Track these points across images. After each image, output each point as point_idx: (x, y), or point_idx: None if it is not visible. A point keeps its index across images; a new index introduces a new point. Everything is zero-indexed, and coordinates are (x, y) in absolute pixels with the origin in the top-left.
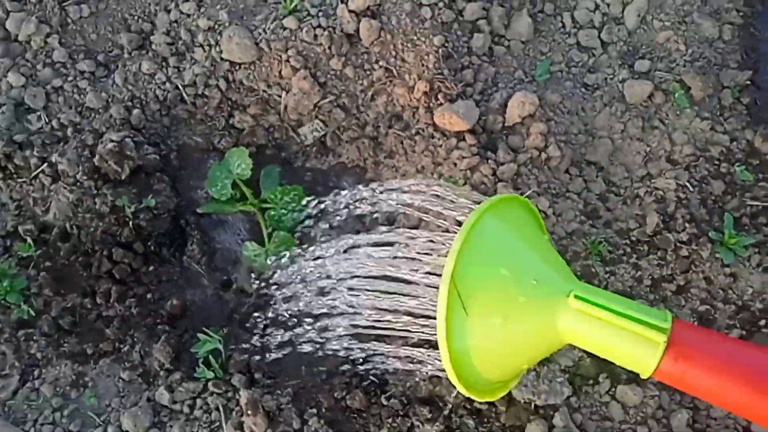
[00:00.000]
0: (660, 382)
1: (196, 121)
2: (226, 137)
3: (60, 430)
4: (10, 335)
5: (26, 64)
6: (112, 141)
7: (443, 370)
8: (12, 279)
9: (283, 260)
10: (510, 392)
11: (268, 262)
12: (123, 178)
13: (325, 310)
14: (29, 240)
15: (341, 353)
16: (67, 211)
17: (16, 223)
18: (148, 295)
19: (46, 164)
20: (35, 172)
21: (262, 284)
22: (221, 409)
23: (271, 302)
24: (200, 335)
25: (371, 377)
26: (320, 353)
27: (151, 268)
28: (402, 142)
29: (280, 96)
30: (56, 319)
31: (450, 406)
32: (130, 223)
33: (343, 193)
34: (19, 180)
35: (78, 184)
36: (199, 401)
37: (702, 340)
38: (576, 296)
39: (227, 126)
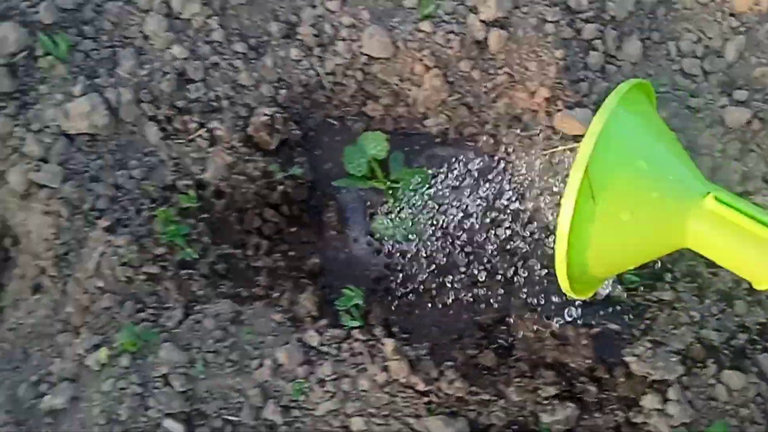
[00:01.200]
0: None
1: (332, 106)
2: (358, 122)
3: (222, 358)
4: (173, 273)
5: (187, 40)
6: (265, 114)
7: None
8: (176, 225)
9: (410, 229)
10: (628, 365)
11: (397, 232)
12: (271, 148)
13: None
14: (191, 192)
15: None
16: (222, 172)
17: (175, 178)
18: (291, 253)
19: (203, 129)
20: (193, 136)
21: (392, 250)
22: (366, 353)
23: (400, 266)
24: (344, 290)
25: (500, 340)
26: (451, 312)
27: (293, 229)
28: (520, 141)
29: (410, 90)
30: (212, 264)
31: (573, 372)
32: (279, 187)
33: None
34: (178, 141)
35: (233, 149)
36: (345, 345)
37: None
38: (715, 197)
39: (359, 113)
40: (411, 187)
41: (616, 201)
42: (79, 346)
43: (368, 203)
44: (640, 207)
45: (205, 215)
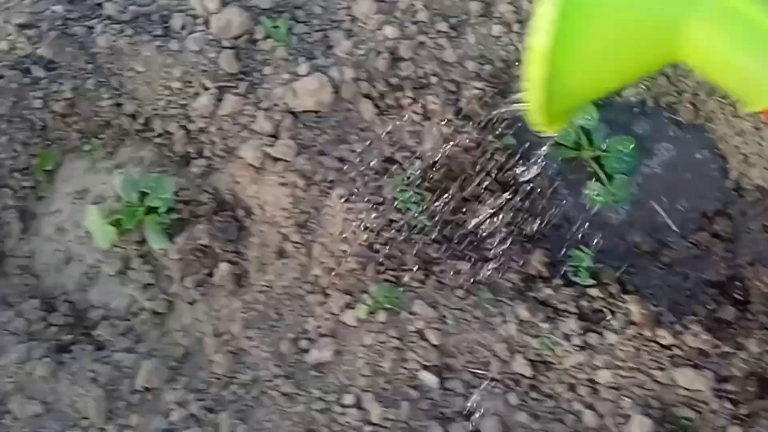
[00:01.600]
0: None
1: None
2: None
3: (468, 315)
4: (407, 237)
5: (396, 21)
6: (476, 88)
7: None
8: (406, 193)
9: (620, 195)
10: None
11: (608, 198)
12: (482, 120)
13: None
14: (416, 163)
15: None
16: (439, 144)
17: (393, 150)
18: (509, 218)
19: (418, 104)
20: (407, 111)
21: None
22: (606, 309)
23: (616, 230)
24: (574, 251)
25: (735, 294)
26: (676, 271)
27: (508, 196)
28: (721, 109)
29: None
30: (441, 230)
31: None
32: (493, 157)
33: None
34: (391, 116)
35: (447, 122)
36: (583, 302)
37: None
38: None
39: None
40: (617, 155)
41: None
42: (331, 304)
43: (577, 171)
44: None
45: (427, 184)
